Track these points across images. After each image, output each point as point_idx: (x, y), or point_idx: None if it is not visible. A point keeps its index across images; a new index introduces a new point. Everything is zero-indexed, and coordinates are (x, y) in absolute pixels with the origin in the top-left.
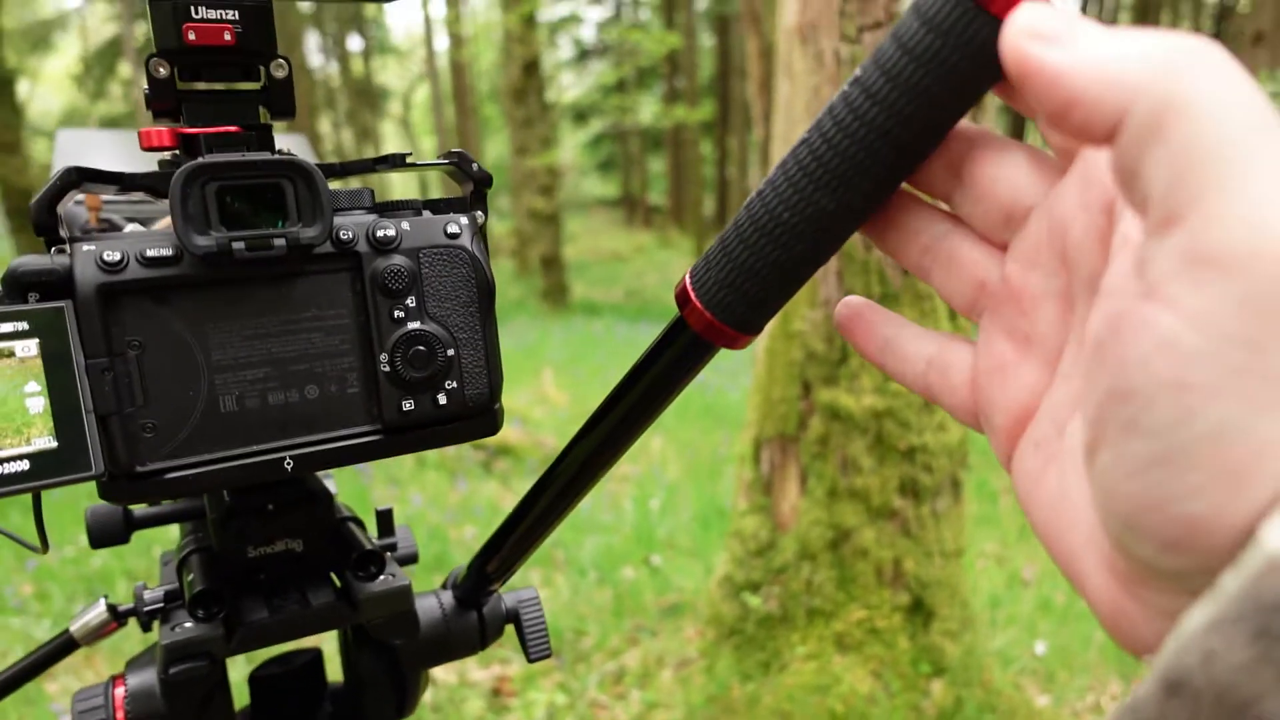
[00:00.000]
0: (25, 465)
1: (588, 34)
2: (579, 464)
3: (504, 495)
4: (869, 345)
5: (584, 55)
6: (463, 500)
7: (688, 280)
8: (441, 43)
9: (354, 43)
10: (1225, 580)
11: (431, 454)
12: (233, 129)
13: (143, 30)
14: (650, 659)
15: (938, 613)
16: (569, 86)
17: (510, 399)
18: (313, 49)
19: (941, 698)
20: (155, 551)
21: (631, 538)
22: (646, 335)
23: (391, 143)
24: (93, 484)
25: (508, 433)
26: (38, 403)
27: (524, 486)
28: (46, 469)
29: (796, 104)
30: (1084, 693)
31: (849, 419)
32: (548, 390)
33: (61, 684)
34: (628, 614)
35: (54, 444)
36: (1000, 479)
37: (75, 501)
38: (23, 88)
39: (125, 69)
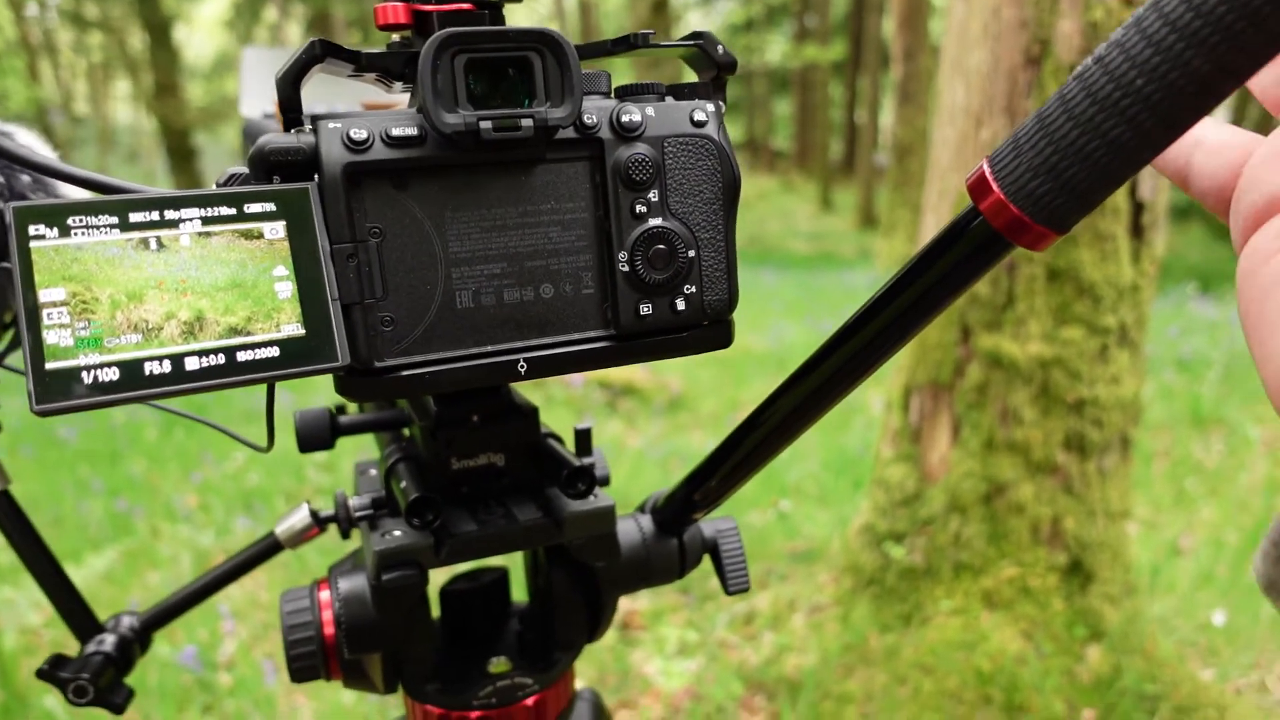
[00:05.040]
0: (275, 352)
1: None
2: (827, 376)
3: (629, 435)
4: None
5: None
6: None
7: (987, 168)
8: None
9: None
10: None
11: (558, 391)
12: (467, 6)
13: None
14: (781, 603)
15: (1098, 575)
16: (696, 26)
17: None
18: None
19: (1098, 664)
20: (308, 472)
21: (760, 482)
22: (770, 283)
23: None
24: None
25: (633, 373)
26: (286, 288)
27: (650, 428)
28: (295, 357)
29: (972, 25)
30: (1249, 670)
31: (1012, 367)
32: None
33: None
34: (757, 558)
35: (302, 331)
36: (1154, 441)
37: (228, 423)
38: (179, 33)
39: (270, 13)
